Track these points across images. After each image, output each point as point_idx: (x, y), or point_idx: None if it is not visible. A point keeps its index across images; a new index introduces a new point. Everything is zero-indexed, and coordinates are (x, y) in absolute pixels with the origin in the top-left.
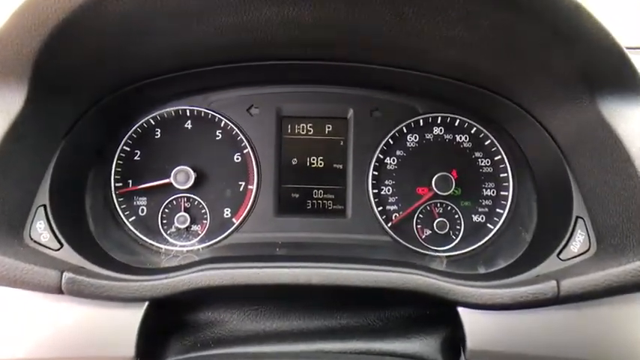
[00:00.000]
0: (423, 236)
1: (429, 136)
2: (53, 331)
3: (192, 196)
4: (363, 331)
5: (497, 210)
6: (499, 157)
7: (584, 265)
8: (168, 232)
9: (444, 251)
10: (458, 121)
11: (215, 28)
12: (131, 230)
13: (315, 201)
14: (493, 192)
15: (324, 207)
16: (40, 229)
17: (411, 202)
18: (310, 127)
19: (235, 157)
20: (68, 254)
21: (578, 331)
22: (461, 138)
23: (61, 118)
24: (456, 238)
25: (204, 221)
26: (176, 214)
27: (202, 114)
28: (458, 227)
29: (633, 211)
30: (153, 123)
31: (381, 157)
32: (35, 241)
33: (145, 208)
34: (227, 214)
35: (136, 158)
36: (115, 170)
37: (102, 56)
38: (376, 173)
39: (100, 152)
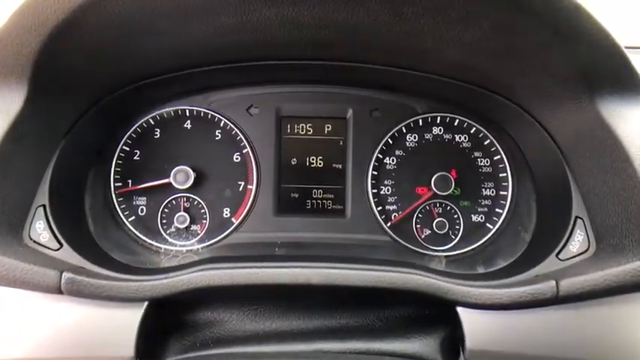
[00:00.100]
0: (423, 236)
1: (428, 136)
2: (53, 331)
3: (191, 195)
4: (363, 331)
5: (497, 210)
6: (498, 157)
7: (583, 265)
8: (168, 231)
9: (443, 251)
10: (457, 121)
11: (215, 28)
12: (131, 230)
13: (314, 201)
14: (492, 192)
15: (323, 207)
16: (40, 229)
17: (411, 201)
18: (310, 127)
19: (235, 156)
20: (68, 254)
21: (577, 331)
22: (460, 138)
23: (60, 118)
24: (456, 237)
25: (204, 221)
26: (176, 213)
27: (202, 114)
28: (457, 227)
29: (632, 211)
30: (152, 123)
31: (381, 156)
32: (35, 241)
33: (144, 208)
34: (226, 214)
35: (135, 158)
36: (115, 170)
37: (102, 56)
38: (375, 173)
39: (100, 152)
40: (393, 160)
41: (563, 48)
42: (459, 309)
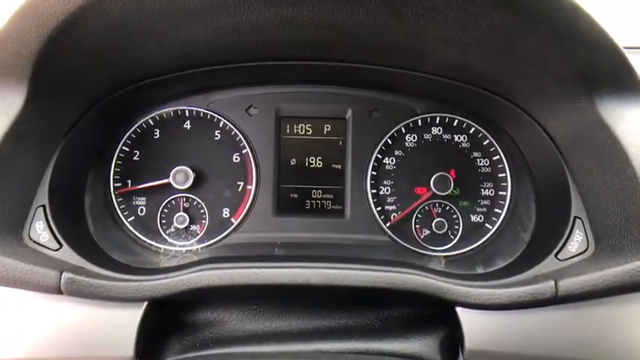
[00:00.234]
0: (422, 236)
1: (427, 136)
2: (52, 332)
3: (191, 196)
4: (362, 331)
5: (496, 210)
6: (497, 157)
7: (582, 265)
8: (168, 232)
9: (442, 251)
10: (456, 121)
11: (214, 29)
12: (130, 230)
13: (313, 201)
14: (491, 192)
15: (322, 207)
16: (40, 229)
17: (410, 202)
18: (309, 127)
19: (234, 157)
20: (67, 254)
21: (576, 331)
22: (459, 138)
23: (60, 119)
24: (455, 238)
25: (203, 221)
26: (175, 214)
27: (201, 114)
28: (456, 227)
29: (631, 212)
30: (152, 123)
31: (380, 157)
32: (34, 241)
33: (144, 208)
34: (226, 214)
35: (135, 158)
36: (115, 170)
37: (101, 57)
38: (375, 173)
39: (100, 152)
40: (392, 161)
41: (562, 48)
42: (458, 309)
